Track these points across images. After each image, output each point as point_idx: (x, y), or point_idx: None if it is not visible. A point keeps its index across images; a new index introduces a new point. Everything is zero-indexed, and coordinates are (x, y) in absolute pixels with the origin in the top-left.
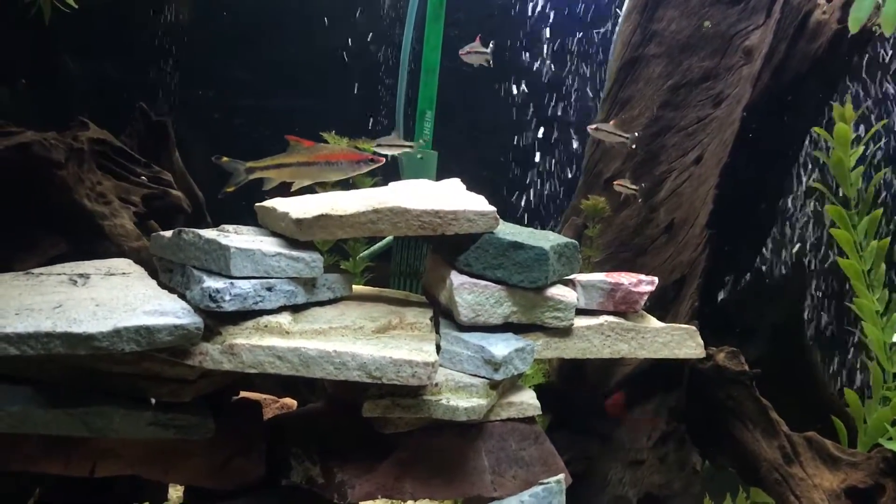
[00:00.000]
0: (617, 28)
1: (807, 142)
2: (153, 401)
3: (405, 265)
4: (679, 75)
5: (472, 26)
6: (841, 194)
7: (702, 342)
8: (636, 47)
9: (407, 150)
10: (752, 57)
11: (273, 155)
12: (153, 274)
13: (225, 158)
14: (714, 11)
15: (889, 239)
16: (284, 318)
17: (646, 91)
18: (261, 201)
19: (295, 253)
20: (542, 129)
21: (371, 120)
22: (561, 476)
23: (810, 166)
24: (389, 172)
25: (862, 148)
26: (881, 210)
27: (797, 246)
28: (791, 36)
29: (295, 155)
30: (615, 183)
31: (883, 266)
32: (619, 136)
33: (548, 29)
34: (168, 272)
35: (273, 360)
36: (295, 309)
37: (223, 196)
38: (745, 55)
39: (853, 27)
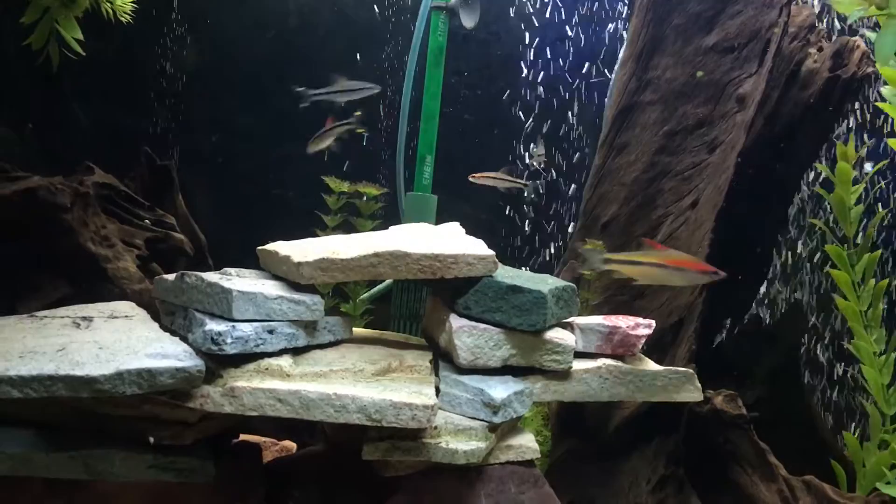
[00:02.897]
0: (613, 75)
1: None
2: (151, 440)
3: (405, 308)
4: (674, 122)
5: (472, 73)
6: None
7: (699, 385)
8: (632, 94)
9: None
10: (745, 104)
11: (628, 251)
12: (156, 317)
13: (588, 245)
14: (708, 60)
15: (887, 280)
16: (285, 361)
17: (642, 137)
18: (263, 245)
19: (296, 296)
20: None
21: (372, 165)
22: None
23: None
24: (390, 216)
25: (863, 186)
26: (880, 251)
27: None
28: (783, 84)
29: (649, 255)
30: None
31: (881, 306)
32: (516, 182)
33: (546, 76)
34: (170, 315)
35: (274, 403)
36: (296, 351)
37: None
38: (739, 102)
39: (881, 61)
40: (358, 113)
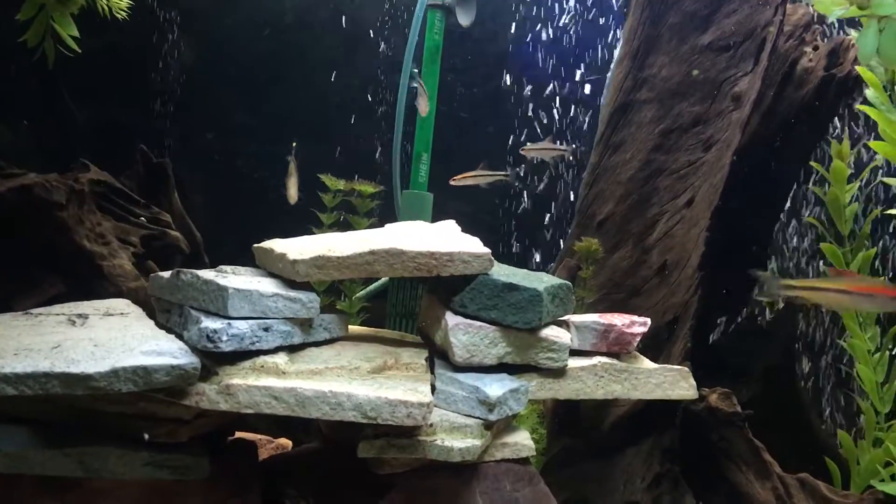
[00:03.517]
0: (609, 74)
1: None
2: (146, 437)
3: (401, 306)
4: (670, 120)
5: (467, 71)
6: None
7: (694, 383)
8: (628, 92)
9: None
10: (740, 103)
11: (806, 278)
12: (151, 314)
13: (763, 273)
14: (703, 58)
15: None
16: (281, 359)
17: (637, 135)
18: (258, 242)
19: (292, 293)
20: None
21: (368, 163)
22: None
23: None
24: (386, 214)
25: (857, 184)
26: (874, 249)
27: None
28: (778, 83)
29: (833, 281)
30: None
31: None
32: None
33: (544, 72)
34: (166, 312)
35: (269, 401)
36: (291, 349)
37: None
38: (734, 101)
39: (863, 60)
40: (294, 144)
